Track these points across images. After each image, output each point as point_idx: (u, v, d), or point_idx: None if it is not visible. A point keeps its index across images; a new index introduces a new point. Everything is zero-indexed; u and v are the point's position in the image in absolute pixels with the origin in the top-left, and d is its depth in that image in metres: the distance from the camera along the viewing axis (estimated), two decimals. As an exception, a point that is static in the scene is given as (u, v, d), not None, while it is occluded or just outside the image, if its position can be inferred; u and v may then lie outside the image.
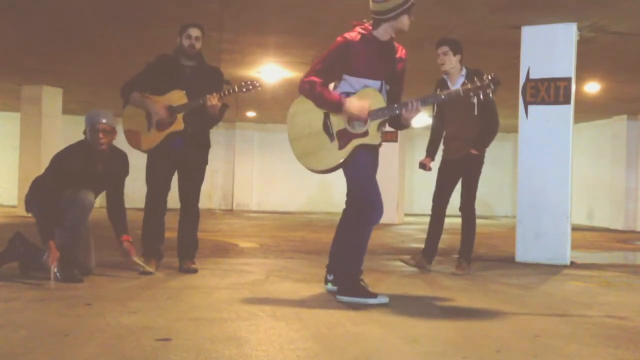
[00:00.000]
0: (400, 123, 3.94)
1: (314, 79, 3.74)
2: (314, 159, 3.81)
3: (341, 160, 3.75)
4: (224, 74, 5.05)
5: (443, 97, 4.05)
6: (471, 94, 3.84)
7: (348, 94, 3.77)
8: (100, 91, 12.04)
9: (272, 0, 6.33)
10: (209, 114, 4.76)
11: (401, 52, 3.95)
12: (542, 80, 6.49)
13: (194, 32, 4.85)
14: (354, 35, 3.78)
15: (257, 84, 4.85)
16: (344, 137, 3.74)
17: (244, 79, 4.85)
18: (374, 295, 3.82)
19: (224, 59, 8.59)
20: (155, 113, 4.77)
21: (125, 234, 4.71)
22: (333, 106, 3.71)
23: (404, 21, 3.73)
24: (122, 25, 7.36)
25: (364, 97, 3.74)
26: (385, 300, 3.82)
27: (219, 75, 4.97)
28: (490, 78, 3.85)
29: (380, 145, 3.88)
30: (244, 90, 4.81)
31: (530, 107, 6.55)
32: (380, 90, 3.83)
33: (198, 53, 4.90)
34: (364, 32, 3.80)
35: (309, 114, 3.82)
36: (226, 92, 4.77)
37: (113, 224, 4.77)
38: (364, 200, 3.83)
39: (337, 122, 3.77)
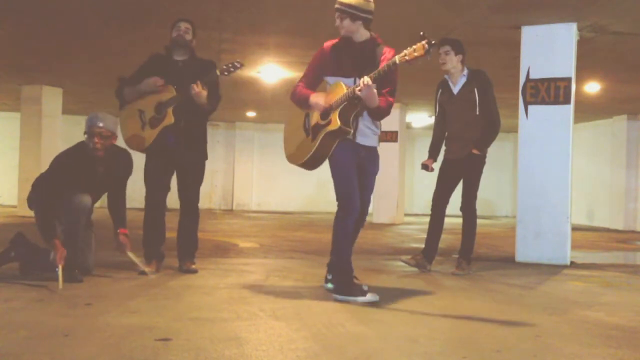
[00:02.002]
0: (368, 108, 3.98)
1: (298, 83, 4.19)
2: (296, 154, 4.18)
3: (313, 150, 4.00)
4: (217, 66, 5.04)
5: (387, 67, 3.80)
6: (407, 58, 3.72)
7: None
8: (100, 91, 12.01)
9: (272, 0, 6.33)
10: (197, 103, 4.73)
11: (388, 53, 4.01)
12: (542, 80, 6.48)
13: (183, 24, 4.91)
14: (329, 44, 4.14)
15: (238, 64, 4.78)
16: (315, 130, 4.05)
17: (225, 65, 4.80)
18: (364, 294, 3.93)
19: (224, 59, 8.56)
20: (148, 85, 4.73)
21: (122, 228, 4.73)
22: (305, 101, 4.09)
23: (348, 24, 4.01)
24: (122, 25, 7.36)
25: (331, 92, 4.01)
26: (375, 298, 3.89)
27: (213, 67, 4.90)
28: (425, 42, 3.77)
29: (343, 131, 3.92)
30: (226, 73, 4.75)
31: (530, 107, 6.54)
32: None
33: (188, 44, 4.89)
34: (337, 40, 4.13)
35: (295, 118, 4.23)
36: (207, 79, 4.71)
37: (113, 218, 4.82)
38: (339, 198, 4.06)
39: (313, 119, 4.09)
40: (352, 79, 3.97)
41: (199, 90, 4.65)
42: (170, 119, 4.74)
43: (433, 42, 3.66)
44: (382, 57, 4.01)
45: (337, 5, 4.00)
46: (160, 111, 4.77)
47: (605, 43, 7.30)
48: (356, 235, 4.25)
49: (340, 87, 3.95)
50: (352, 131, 3.99)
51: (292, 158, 4.23)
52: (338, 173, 4.04)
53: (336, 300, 3.89)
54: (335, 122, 3.90)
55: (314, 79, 4.17)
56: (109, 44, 8.23)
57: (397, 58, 3.78)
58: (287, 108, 4.33)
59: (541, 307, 3.95)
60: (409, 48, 3.71)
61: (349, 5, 3.96)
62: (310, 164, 4.11)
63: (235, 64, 4.77)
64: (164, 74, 4.79)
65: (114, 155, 4.65)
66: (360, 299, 3.87)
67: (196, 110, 4.79)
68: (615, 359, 2.74)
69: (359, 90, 3.82)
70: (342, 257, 4.02)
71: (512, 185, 16.33)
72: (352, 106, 3.93)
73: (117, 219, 4.77)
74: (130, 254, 4.70)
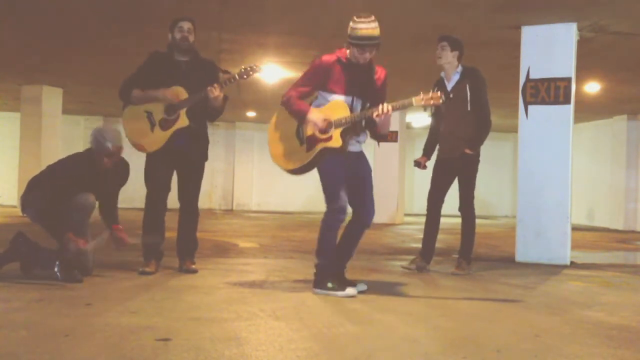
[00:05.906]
0: (376, 132, 4.22)
1: (292, 92, 4.16)
2: (285, 159, 4.25)
3: (307, 161, 4.12)
4: (219, 66, 5.03)
5: (401, 104, 4.04)
6: (423, 103, 4.03)
7: (320, 106, 4.15)
8: (100, 91, 12.02)
9: (272, 0, 6.33)
10: (212, 106, 4.72)
11: (380, 73, 4.22)
12: (542, 80, 6.48)
13: (186, 24, 4.82)
14: (329, 57, 4.15)
15: (257, 68, 4.76)
16: (311, 141, 4.12)
17: (243, 68, 4.79)
18: (342, 289, 4.05)
19: (224, 59, 8.58)
20: (164, 98, 4.70)
21: (115, 224, 4.76)
22: (300, 114, 4.11)
23: (355, 53, 4.02)
24: (122, 25, 7.36)
25: (330, 108, 4.08)
26: (353, 292, 4.02)
27: (214, 67, 4.91)
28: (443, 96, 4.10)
29: (343, 149, 4.09)
30: (245, 76, 4.73)
31: (530, 107, 6.54)
32: (351, 104, 4.09)
33: (192, 47, 4.85)
34: (340, 55, 4.14)
35: (286, 122, 4.25)
36: (227, 82, 4.70)
37: (104, 218, 4.82)
38: (327, 200, 4.16)
39: (308, 129, 4.12)
40: (351, 98, 4.09)
41: (218, 94, 4.65)
42: (184, 122, 4.71)
43: (451, 95, 4.37)
44: (377, 76, 4.20)
45: (378, 42, 3.95)
46: (171, 113, 4.73)
47: (605, 43, 7.30)
48: (360, 236, 4.33)
49: (343, 106, 4.06)
50: (347, 150, 4.13)
51: (279, 161, 4.29)
52: (326, 177, 4.15)
53: (315, 293, 4.07)
54: (338, 140, 4.05)
55: (310, 90, 4.17)
56: (109, 44, 8.23)
57: (414, 100, 4.02)
58: (278, 108, 4.33)
59: (541, 307, 3.96)
60: (426, 94, 4.01)
61: (379, 37, 3.97)
62: (299, 172, 4.24)
63: (254, 67, 4.76)
64: (168, 75, 4.76)
65: (115, 165, 4.67)
66: (340, 293, 4.02)
67: (205, 112, 4.79)
68: (615, 359, 2.74)
69: (377, 116, 3.98)
70: (323, 252, 4.15)
71: (512, 185, 16.31)
72: (354, 127, 4.10)
73: (110, 218, 4.79)
74: (131, 240, 4.77)
